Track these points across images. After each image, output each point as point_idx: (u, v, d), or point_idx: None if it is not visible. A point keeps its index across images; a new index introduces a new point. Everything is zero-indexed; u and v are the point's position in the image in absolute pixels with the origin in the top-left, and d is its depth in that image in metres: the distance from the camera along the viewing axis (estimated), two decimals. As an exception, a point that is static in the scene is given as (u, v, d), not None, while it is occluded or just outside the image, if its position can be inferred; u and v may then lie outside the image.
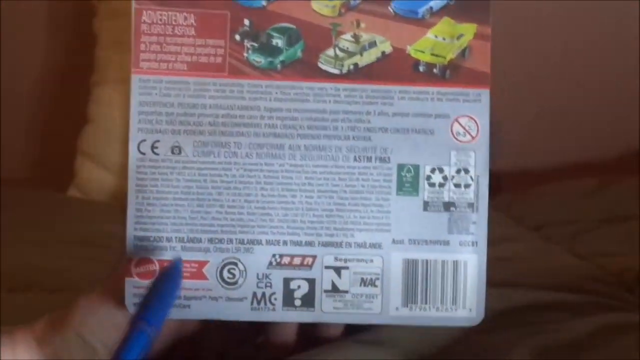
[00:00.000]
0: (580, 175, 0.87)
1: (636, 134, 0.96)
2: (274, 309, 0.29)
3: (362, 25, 0.31)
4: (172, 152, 0.30)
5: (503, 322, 0.39)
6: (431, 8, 0.31)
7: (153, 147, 0.30)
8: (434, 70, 0.31)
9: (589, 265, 0.55)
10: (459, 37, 0.31)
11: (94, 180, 0.90)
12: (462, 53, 0.31)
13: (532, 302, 0.42)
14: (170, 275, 0.29)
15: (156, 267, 0.29)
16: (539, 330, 0.38)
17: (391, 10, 0.31)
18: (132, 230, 0.29)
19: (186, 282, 0.29)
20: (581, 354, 0.35)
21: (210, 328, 0.33)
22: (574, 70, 0.98)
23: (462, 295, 0.30)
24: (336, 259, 0.30)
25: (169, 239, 0.29)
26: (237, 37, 0.30)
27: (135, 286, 0.29)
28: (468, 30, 0.31)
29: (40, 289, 0.52)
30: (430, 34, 0.31)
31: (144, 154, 0.30)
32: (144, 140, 0.30)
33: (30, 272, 0.55)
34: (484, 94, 0.31)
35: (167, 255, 0.29)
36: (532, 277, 0.48)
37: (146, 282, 0.29)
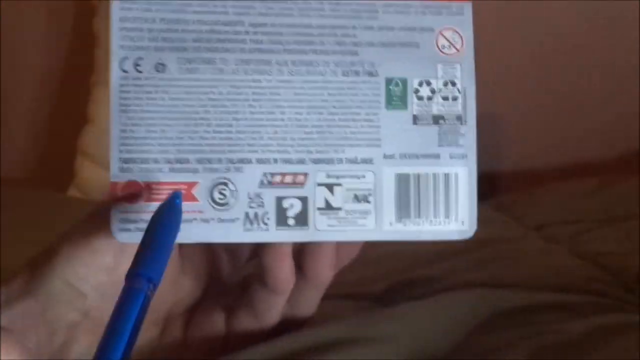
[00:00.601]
0: (580, 175, 0.87)
1: (636, 134, 0.96)
2: (267, 229, 0.29)
3: None
4: (156, 70, 0.29)
5: (503, 322, 0.39)
6: None
7: (136, 65, 0.28)
8: None
9: (589, 265, 0.55)
10: None
11: (94, 180, 0.90)
12: None
13: (532, 302, 0.42)
14: (168, 215, 0.27)
15: (143, 189, 0.28)
16: (539, 331, 0.38)
17: None
18: (116, 152, 0.28)
19: None
20: (581, 354, 0.35)
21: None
22: (574, 70, 0.98)
23: (454, 208, 0.30)
24: (328, 175, 0.29)
25: (155, 160, 0.28)
26: None
27: (122, 211, 0.27)
28: None
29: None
30: None
31: (126, 72, 0.28)
32: (126, 58, 0.28)
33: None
34: (467, 6, 0.31)
35: (154, 177, 0.28)
36: (532, 277, 0.48)
37: (133, 207, 0.27)
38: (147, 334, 0.31)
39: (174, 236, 0.27)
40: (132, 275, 0.24)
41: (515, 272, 0.47)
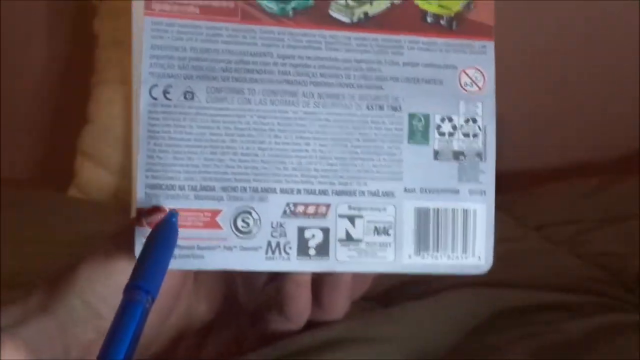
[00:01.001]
0: (580, 175, 0.87)
1: (636, 134, 0.96)
2: (288, 259, 0.29)
3: None
4: (185, 98, 0.29)
5: (503, 322, 0.39)
6: None
7: (165, 92, 0.29)
8: (441, 22, 0.31)
9: (589, 265, 0.55)
10: None
11: (94, 180, 0.90)
12: (467, 6, 0.31)
13: (532, 302, 0.42)
14: (164, 232, 0.27)
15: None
16: (539, 331, 0.38)
17: None
18: (143, 178, 0.28)
19: (200, 232, 0.28)
20: (581, 354, 0.35)
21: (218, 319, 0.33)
22: (574, 70, 0.98)
23: (472, 244, 0.30)
24: (350, 207, 0.30)
25: (181, 187, 0.29)
26: None
27: (145, 235, 0.28)
28: None
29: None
30: None
31: (155, 99, 0.29)
32: (156, 85, 0.29)
33: (30, 271, 0.55)
34: (489, 45, 0.31)
35: (180, 204, 0.28)
36: (532, 277, 0.48)
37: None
38: (160, 355, 0.32)
39: (171, 252, 0.27)
40: (131, 288, 0.24)
41: (515, 272, 0.47)
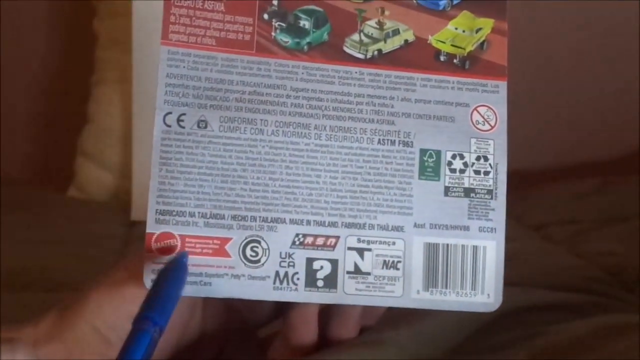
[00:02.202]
0: (580, 175, 0.87)
1: (636, 134, 0.96)
2: (296, 289, 0.29)
3: (387, 12, 0.31)
4: (198, 126, 0.29)
5: (503, 322, 0.39)
6: (451, 0, 0.32)
7: (179, 120, 0.29)
8: (455, 61, 0.31)
9: (589, 265, 0.55)
10: (478, 30, 0.32)
11: (94, 180, 0.90)
12: (481, 46, 0.32)
13: (532, 302, 0.42)
14: (175, 270, 0.28)
15: (177, 242, 0.29)
16: (539, 331, 0.38)
17: (414, 0, 0.32)
18: (154, 203, 0.29)
19: (208, 259, 0.29)
20: (581, 354, 0.35)
21: (208, 334, 0.33)
22: (574, 71, 0.98)
23: (481, 281, 0.30)
24: (359, 240, 0.30)
25: (191, 214, 0.29)
26: (266, 16, 0.30)
27: (155, 262, 0.28)
28: (486, 24, 0.32)
29: (40, 288, 0.52)
30: (450, 26, 0.32)
31: (169, 126, 0.29)
32: (170, 113, 0.29)
33: (30, 271, 0.55)
34: (502, 85, 0.32)
35: (190, 231, 0.29)
36: (532, 277, 0.48)
37: (166, 258, 0.28)
38: None
39: (181, 288, 0.28)
40: (140, 318, 0.25)
41: (515, 272, 0.47)
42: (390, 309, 0.31)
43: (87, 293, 0.29)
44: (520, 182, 0.85)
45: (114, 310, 0.29)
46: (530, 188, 0.83)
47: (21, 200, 0.79)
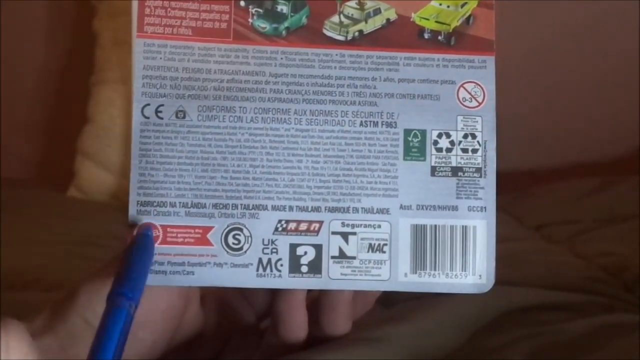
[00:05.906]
0: (580, 175, 0.87)
1: (636, 134, 0.96)
2: (280, 276, 0.29)
3: None
4: (177, 117, 0.29)
5: (503, 322, 0.39)
6: None
7: (157, 111, 0.29)
8: (439, 38, 0.31)
9: (589, 265, 0.55)
10: (463, 5, 0.31)
11: (94, 180, 0.90)
12: (467, 21, 0.31)
13: (533, 302, 0.42)
14: (141, 244, 0.28)
15: (160, 232, 0.29)
16: (539, 331, 0.38)
17: None
18: (134, 195, 0.29)
19: (190, 248, 0.29)
20: (581, 354, 0.35)
21: (207, 331, 0.33)
22: (574, 70, 0.98)
23: (471, 262, 0.30)
24: (343, 224, 0.29)
25: (172, 204, 0.29)
26: (242, 2, 0.30)
27: None
28: None
29: (40, 288, 0.52)
30: (434, 2, 0.31)
31: (147, 118, 0.29)
32: (148, 105, 0.29)
33: (30, 271, 0.55)
34: (489, 60, 0.31)
35: (171, 221, 0.29)
36: (533, 277, 0.48)
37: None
38: None
39: (149, 261, 0.28)
40: (114, 295, 0.25)
41: (515, 272, 0.47)
42: (387, 306, 0.31)
43: (77, 289, 0.30)
44: (520, 182, 0.85)
45: (102, 303, 0.29)
46: (530, 188, 0.84)
47: (21, 200, 0.79)
